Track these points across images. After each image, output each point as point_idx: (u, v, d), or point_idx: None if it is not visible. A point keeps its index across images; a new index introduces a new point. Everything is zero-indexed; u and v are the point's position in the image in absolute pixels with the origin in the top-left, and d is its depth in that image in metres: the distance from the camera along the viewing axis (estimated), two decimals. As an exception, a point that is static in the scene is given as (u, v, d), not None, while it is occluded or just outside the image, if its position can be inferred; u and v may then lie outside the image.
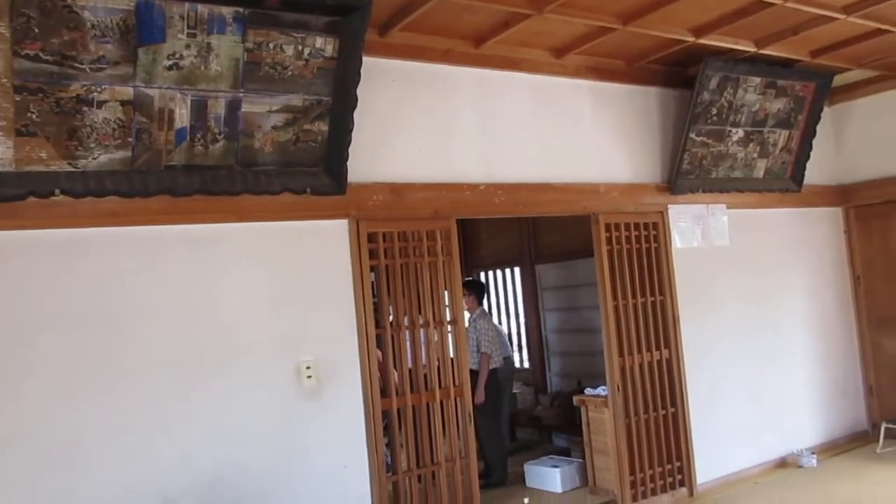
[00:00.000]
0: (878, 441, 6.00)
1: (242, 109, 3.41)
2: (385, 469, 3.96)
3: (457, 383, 4.28)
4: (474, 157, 4.45)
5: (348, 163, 3.73)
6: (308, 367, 3.73)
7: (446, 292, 4.30)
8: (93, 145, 3.12)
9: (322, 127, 3.64)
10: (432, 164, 4.27)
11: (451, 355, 4.33)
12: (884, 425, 6.00)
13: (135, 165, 3.25)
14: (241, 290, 3.62)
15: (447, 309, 4.31)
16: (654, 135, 5.31)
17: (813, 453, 5.75)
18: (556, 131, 4.83)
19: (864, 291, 6.43)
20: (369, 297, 3.97)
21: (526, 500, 4.15)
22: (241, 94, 3.38)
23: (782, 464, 5.75)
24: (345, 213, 3.91)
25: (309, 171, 3.70)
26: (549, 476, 5.56)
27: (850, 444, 6.19)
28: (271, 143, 3.55)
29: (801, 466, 5.66)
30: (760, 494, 5.16)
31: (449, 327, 4.31)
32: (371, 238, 4.01)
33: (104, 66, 3.03)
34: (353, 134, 3.67)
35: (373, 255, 4.01)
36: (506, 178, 4.53)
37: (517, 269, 8.09)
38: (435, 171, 4.27)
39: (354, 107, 3.62)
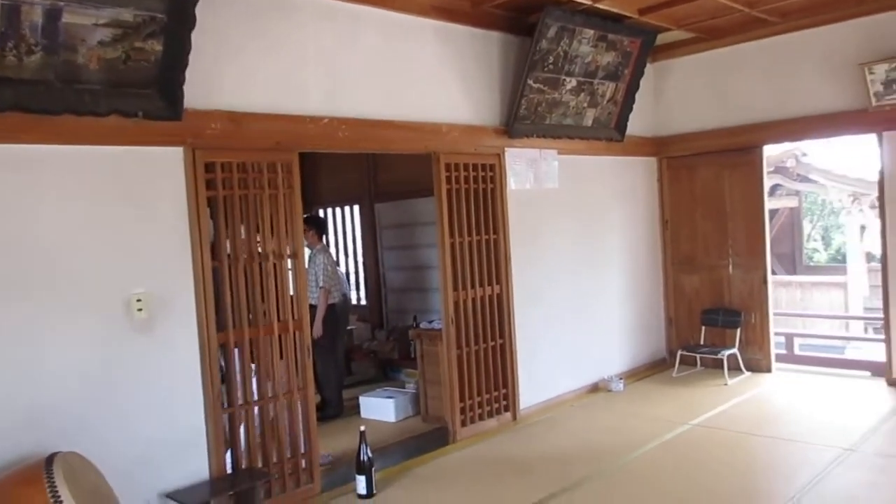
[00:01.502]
0: (674, 366, 6.80)
1: (63, 20, 3.10)
2: (221, 403, 3.92)
3: (296, 317, 4.28)
4: (319, 90, 4.37)
5: (185, 87, 3.53)
6: (139, 300, 3.56)
7: (287, 226, 4.25)
8: None
9: (156, 46, 3.40)
10: (275, 94, 4.14)
11: (291, 290, 4.32)
12: (679, 352, 6.80)
13: (-68, 74, 2.88)
14: (66, 217, 3.35)
15: (287, 243, 4.27)
16: (494, 79, 5.47)
17: (621, 379, 6.41)
18: (401, 68, 4.85)
19: (671, 235, 7.15)
20: (206, 229, 3.83)
21: (362, 429, 4.30)
22: (61, 3, 3.06)
23: (594, 389, 6.35)
24: (180, 141, 3.71)
25: (141, 93, 3.46)
26: (383, 406, 5.76)
27: (652, 369, 6.96)
28: (97, 60, 3.27)
29: (610, 390, 6.30)
30: (574, 416, 5.70)
31: (289, 261, 4.28)
32: (208, 168, 3.85)
33: None
34: (191, 56, 3.47)
35: (210, 185, 3.87)
36: (350, 113, 4.50)
37: (356, 207, 8.12)
38: (278, 101, 4.15)
39: (192, 27, 3.41)
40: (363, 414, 5.85)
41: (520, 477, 4.44)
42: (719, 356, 6.43)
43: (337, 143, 4.48)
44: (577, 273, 6.20)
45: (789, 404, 5.76)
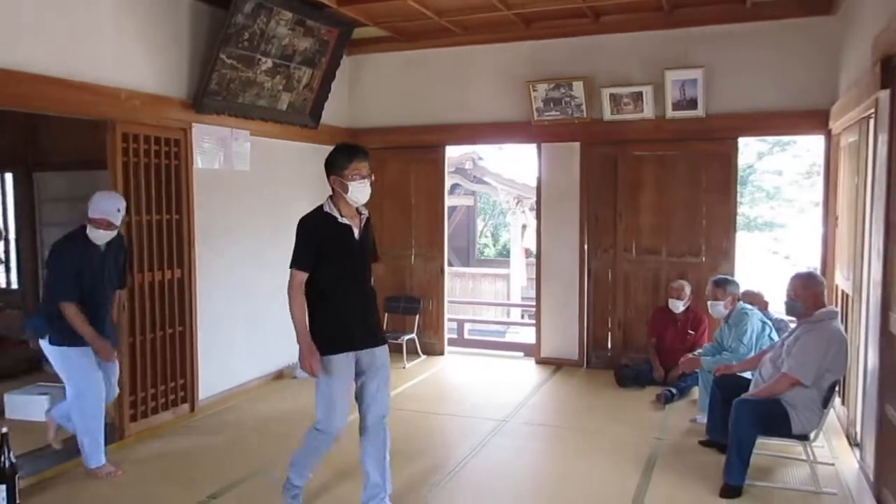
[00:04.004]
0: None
1: None
2: None
3: (-83, 301, 3.53)
4: (-42, 29, 3.65)
5: None
6: None
7: None
8: None
9: None
10: None
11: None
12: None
13: None
14: None
15: None
16: (182, 48, 5.10)
17: (306, 365, 6.43)
18: (75, 21, 4.26)
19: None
20: None
21: (4, 431, 3.70)
22: None
23: (279, 376, 6.30)
24: None
25: None
26: (35, 405, 5.04)
27: (337, 356, 7.10)
28: None
29: (295, 377, 6.29)
30: (257, 404, 5.58)
31: None
32: None
33: None
34: None
35: None
36: (3, 63, 3.83)
37: (9, 176, 7.00)
38: None
39: None
40: (8, 414, 5.07)
41: (192, 471, 4.21)
42: (399, 341, 6.81)
43: (-18, 97, 3.79)
44: (265, 258, 6.08)
45: (459, 384, 6.33)
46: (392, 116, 7.10)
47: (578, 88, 6.27)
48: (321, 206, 3.42)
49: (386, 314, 7.18)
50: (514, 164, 12.96)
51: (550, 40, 6.48)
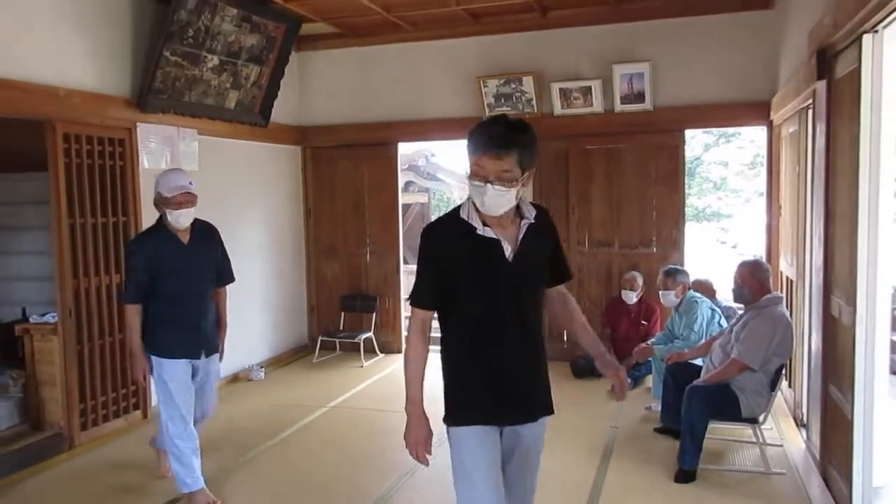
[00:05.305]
0: (314, 352, 6.97)
1: None
2: None
3: None
4: None
5: None
6: None
7: None
8: None
9: None
10: None
11: None
12: (320, 338, 6.99)
13: None
14: None
15: None
16: (125, 44, 4.97)
17: (262, 367, 6.36)
18: (4, 11, 4.10)
19: (314, 223, 7.31)
20: None
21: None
22: None
23: (235, 379, 6.20)
24: None
25: None
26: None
27: (294, 356, 7.05)
28: None
29: (251, 379, 6.21)
30: (213, 408, 5.49)
31: None
32: None
33: None
34: None
35: None
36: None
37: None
38: None
39: None
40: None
41: (148, 478, 4.11)
42: (356, 340, 6.77)
43: None
44: (217, 260, 5.96)
45: (416, 380, 6.31)
46: (343, 114, 7.04)
47: (528, 83, 6.31)
48: (456, 210, 2.25)
49: (343, 313, 7.13)
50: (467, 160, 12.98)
51: (500, 35, 6.50)
